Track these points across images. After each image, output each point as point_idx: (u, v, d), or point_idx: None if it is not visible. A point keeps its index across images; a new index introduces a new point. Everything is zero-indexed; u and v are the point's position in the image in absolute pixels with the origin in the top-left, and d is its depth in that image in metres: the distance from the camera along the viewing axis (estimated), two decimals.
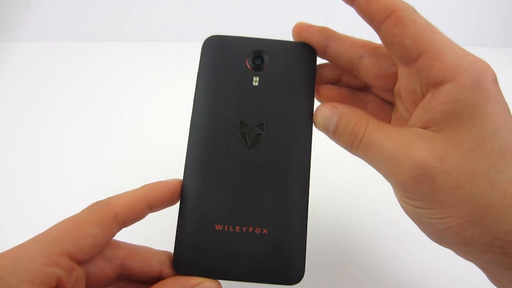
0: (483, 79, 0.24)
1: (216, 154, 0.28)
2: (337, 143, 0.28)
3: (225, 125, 0.29)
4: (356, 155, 0.27)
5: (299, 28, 0.30)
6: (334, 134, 0.28)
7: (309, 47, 0.30)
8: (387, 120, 0.31)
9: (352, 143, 0.27)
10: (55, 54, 0.62)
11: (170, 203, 0.28)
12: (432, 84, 0.24)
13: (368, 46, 0.29)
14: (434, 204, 0.24)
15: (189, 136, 0.29)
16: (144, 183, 0.27)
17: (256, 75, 0.30)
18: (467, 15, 0.63)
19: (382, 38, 0.26)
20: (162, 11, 0.66)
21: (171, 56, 0.62)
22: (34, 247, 0.23)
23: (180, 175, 0.28)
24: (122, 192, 0.27)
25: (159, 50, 0.63)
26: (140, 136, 0.53)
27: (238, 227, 0.27)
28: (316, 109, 0.29)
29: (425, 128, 0.25)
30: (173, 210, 0.28)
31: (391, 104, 0.32)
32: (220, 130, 0.28)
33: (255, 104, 0.29)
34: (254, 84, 0.29)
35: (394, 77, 0.28)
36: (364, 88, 0.33)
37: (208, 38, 0.30)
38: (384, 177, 0.26)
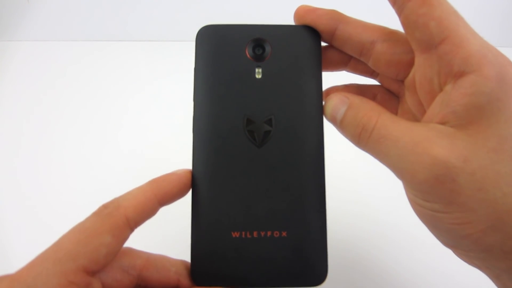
0: (507, 73, 0.21)
1: (225, 156, 0.26)
2: (344, 135, 0.26)
3: (231, 124, 0.26)
4: (364, 149, 0.24)
5: (304, 11, 0.27)
6: (341, 124, 0.25)
7: (313, 30, 0.27)
8: (393, 113, 0.29)
9: (360, 135, 0.24)
10: (56, 54, 0.60)
11: (181, 195, 0.26)
12: (453, 74, 0.22)
13: (381, 31, 0.26)
14: (453, 207, 0.21)
15: (193, 138, 0.26)
16: (149, 178, 0.25)
17: (258, 66, 0.26)
18: (466, 15, 0.61)
19: (404, 19, 0.23)
20: (164, 10, 0.65)
21: (173, 55, 0.60)
22: (47, 266, 0.21)
23: None
24: (128, 190, 0.25)
25: (162, 49, 0.61)
26: (143, 135, 0.52)
27: (256, 232, 0.25)
28: (326, 99, 0.26)
29: (443, 123, 0.22)
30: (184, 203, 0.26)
31: (397, 97, 0.29)
32: (226, 130, 0.26)
33: (261, 99, 0.26)
34: (257, 76, 0.26)
35: (407, 66, 0.26)
36: (372, 75, 0.30)
37: (202, 29, 0.27)
38: (397, 175, 0.24)
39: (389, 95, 0.30)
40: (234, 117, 0.26)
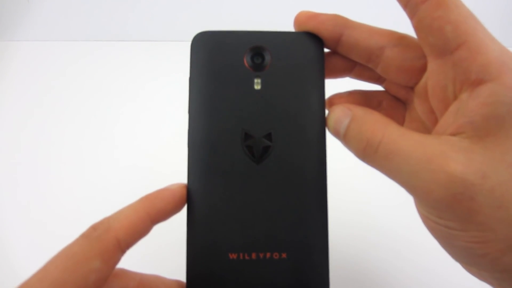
0: None
1: (221, 173, 0.24)
2: (349, 149, 0.24)
3: (228, 139, 0.24)
4: (370, 165, 0.23)
5: (305, 18, 0.25)
6: (345, 138, 0.23)
7: (315, 37, 0.25)
8: (400, 121, 0.27)
9: (364, 149, 0.22)
10: (56, 54, 0.60)
11: (175, 212, 0.24)
12: (470, 82, 0.20)
13: (391, 36, 0.24)
14: (471, 226, 0.20)
15: (188, 153, 0.24)
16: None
17: (257, 77, 0.24)
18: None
19: (417, 22, 0.22)
20: (164, 10, 0.64)
21: (174, 56, 0.58)
22: None
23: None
24: (121, 203, 0.23)
25: (162, 49, 0.61)
26: (143, 135, 0.52)
27: (254, 253, 0.24)
28: (329, 110, 0.25)
29: (458, 133, 0.21)
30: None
31: (403, 104, 0.28)
32: (223, 145, 0.24)
33: (260, 112, 0.24)
34: (256, 87, 0.24)
35: (419, 72, 0.24)
36: (378, 81, 0.28)
37: (197, 36, 0.25)
38: (408, 191, 0.22)
39: (395, 102, 0.28)
40: (231, 131, 0.24)
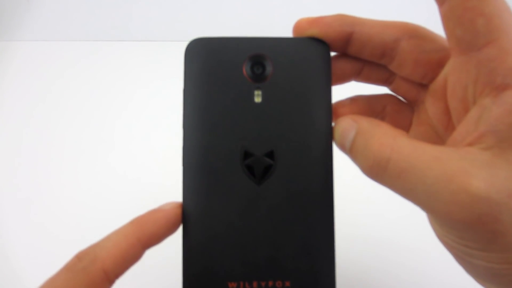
0: None
1: (219, 195, 0.22)
2: (357, 166, 0.21)
3: (226, 158, 0.22)
4: (380, 183, 0.20)
5: (307, 23, 0.23)
6: (351, 153, 0.21)
7: (320, 42, 0.22)
8: (406, 125, 0.26)
9: (371, 167, 0.20)
10: (56, 54, 0.59)
11: (169, 234, 0.22)
12: (494, 86, 0.18)
13: (404, 27, 0.22)
14: (495, 247, 0.18)
15: (183, 171, 0.22)
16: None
17: (257, 88, 0.22)
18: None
19: (447, 11, 0.19)
20: (164, 10, 0.63)
21: (175, 56, 0.58)
22: None
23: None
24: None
25: (163, 50, 0.59)
26: (143, 134, 0.51)
27: (256, 282, 0.21)
28: (335, 122, 0.22)
29: (478, 144, 0.18)
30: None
31: (409, 107, 0.26)
32: (220, 164, 0.22)
33: (261, 127, 0.22)
34: (256, 100, 0.22)
35: (436, 66, 0.22)
36: (386, 82, 0.26)
37: (191, 43, 0.23)
38: (424, 210, 0.20)
39: (400, 106, 0.26)
40: (229, 149, 0.21)
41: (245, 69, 0.22)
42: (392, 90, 0.26)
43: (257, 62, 0.22)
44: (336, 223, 0.22)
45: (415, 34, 0.22)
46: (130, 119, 0.52)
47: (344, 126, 0.21)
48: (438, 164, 0.18)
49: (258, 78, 0.22)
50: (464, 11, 0.18)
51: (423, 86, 0.24)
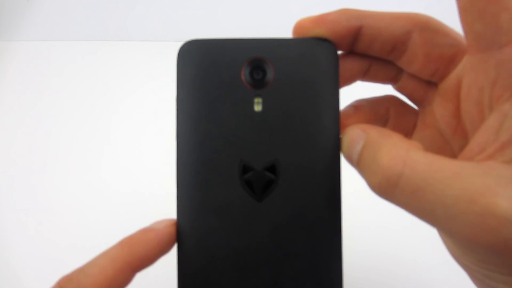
0: None
1: (216, 213, 0.19)
2: (364, 180, 0.19)
3: (223, 173, 0.19)
4: (389, 201, 0.18)
5: (310, 23, 0.20)
6: (359, 167, 0.19)
7: (326, 42, 0.20)
8: (409, 128, 0.24)
9: (380, 183, 0.17)
10: (56, 54, 0.59)
11: (162, 255, 0.20)
12: None
13: (415, 18, 0.20)
14: None
15: (176, 187, 0.20)
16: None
17: (257, 95, 0.20)
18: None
19: (465, 3, 0.17)
20: (165, 10, 0.62)
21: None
22: None
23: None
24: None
25: (164, 50, 0.56)
26: (143, 133, 0.51)
27: None
28: (343, 132, 0.20)
29: (499, 155, 0.16)
30: None
31: (413, 109, 0.24)
32: (217, 180, 0.19)
33: (261, 138, 0.20)
34: (256, 108, 0.20)
35: (448, 63, 0.20)
36: (393, 80, 0.24)
37: (184, 46, 0.20)
38: (441, 232, 0.18)
39: (404, 108, 0.24)
40: (226, 163, 0.19)
41: (244, 74, 0.20)
42: (397, 88, 0.24)
43: (257, 66, 0.20)
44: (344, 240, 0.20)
45: (427, 26, 0.20)
46: (130, 118, 0.52)
47: (351, 136, 0.19)
48: (458, 181, 0.16)
49: (258, 84, 0.20)
50: (487, 3, 0.16)
51: (432, 85, 0.22)
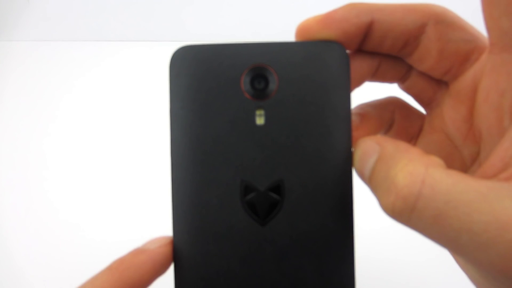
0: None
1: (216, 239, 0.17)
2: (376, 199, 0.17)
3: (223, 194, 0.17)
4: (405, 225, 0.15)
5: (317, 24, 0.18)
6: (370, 183, 0.17)
7: (335, 45, 0.18)
8: (414, 132, 0.22)
9: (394, 203, 0.15)
10: (56, 54, 0.58)
11: (158, 277, 0.18)
12: None
13: (430, 11, 0.18)
14: None
15: (172, 209, 0.18)
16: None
17: (259, 107, 0.18)
18: (465, 15, 0.57)
19: None
20: (165, 10, 0.61)
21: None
22: None
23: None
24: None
25: (164, 50, 0.58)
26: (143, 132, 0.51)
27: None
28: (355, 145, 0.18)
29: None
30: None
31: (418, 112, 0.22)
32: (217, 202, 0.17)
33: (264, 155, 0.17)
34: (258, 122, 0.18)
35: (463, 60, 0.18)
36: (401, 79, 0.22)
37: (177, 52, 0.18)
38: (466, 261, 0.15)
39: (409, 110, 0.22)
40: (226, 183, 0.17)
41: (244, 84, 0.18)
42: (403, 88, 0.22)
43: (258, 74, 0.18)
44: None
45: (442, 19, 0.18)
46: (130, 119, 0.51)
47: (364, 149, 0.17)
48: (487, 205, 0.14)
49: (260, 94, 0.18)
50: None
51: (443, 84, 0.20)
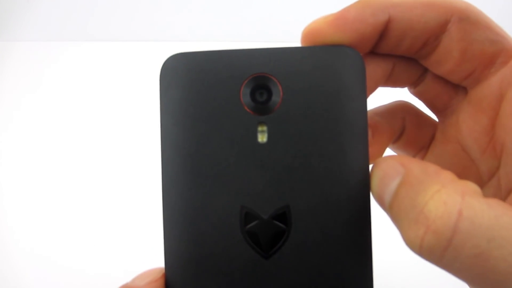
0: None
1: (214, 274, 0.15)
2: (398, 230, 0.14)
3: (221, 223, 0.15)
4: (436, 264, 0.13)
5: (329, 27, 0.16)
6: (391, 210, 0.14)
7: (348, 50, 0.15)
8: (425, 141, 0.20)
9: (422, 238, 0.12)
10: (55, 54, 0.58)
11: None
12: None
13: (453, 7, 0.16)
14: None
15: (164, 237, 0.15)
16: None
17: (262, 123, 0.15)
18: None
19: None
20: (165, 10, 0.60)
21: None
22: None
23: None
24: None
25: (164, 50, 0.57)
26: (143, 133, 0.50)
27: None
28: (373, 165, 0.15)
29: None
30: None
31: (430, 119, 0.20)
32: (214, 231, 0.15)
33: (267, 178, 0.15)
34: (260, 139, 0.15)
35: (488, 64, 0.16)
36: (414, 84, 0.19)
37: (169, 60, 0.16)
38: None
39: (421, 117, 0.20)
40: (224, 210, 0.15)
41: (243, 97, 0.15)
42: (415, 93, 0.20)
43: (260, 85, 0.15)
44: None
45: (466, 16, 0.16)
46: (130, 119, 0.51)
47: (385, 170, 0.14)
48: None
49: (262, 108, 0.15)
50: None
51: (460, 90, 0.18)
